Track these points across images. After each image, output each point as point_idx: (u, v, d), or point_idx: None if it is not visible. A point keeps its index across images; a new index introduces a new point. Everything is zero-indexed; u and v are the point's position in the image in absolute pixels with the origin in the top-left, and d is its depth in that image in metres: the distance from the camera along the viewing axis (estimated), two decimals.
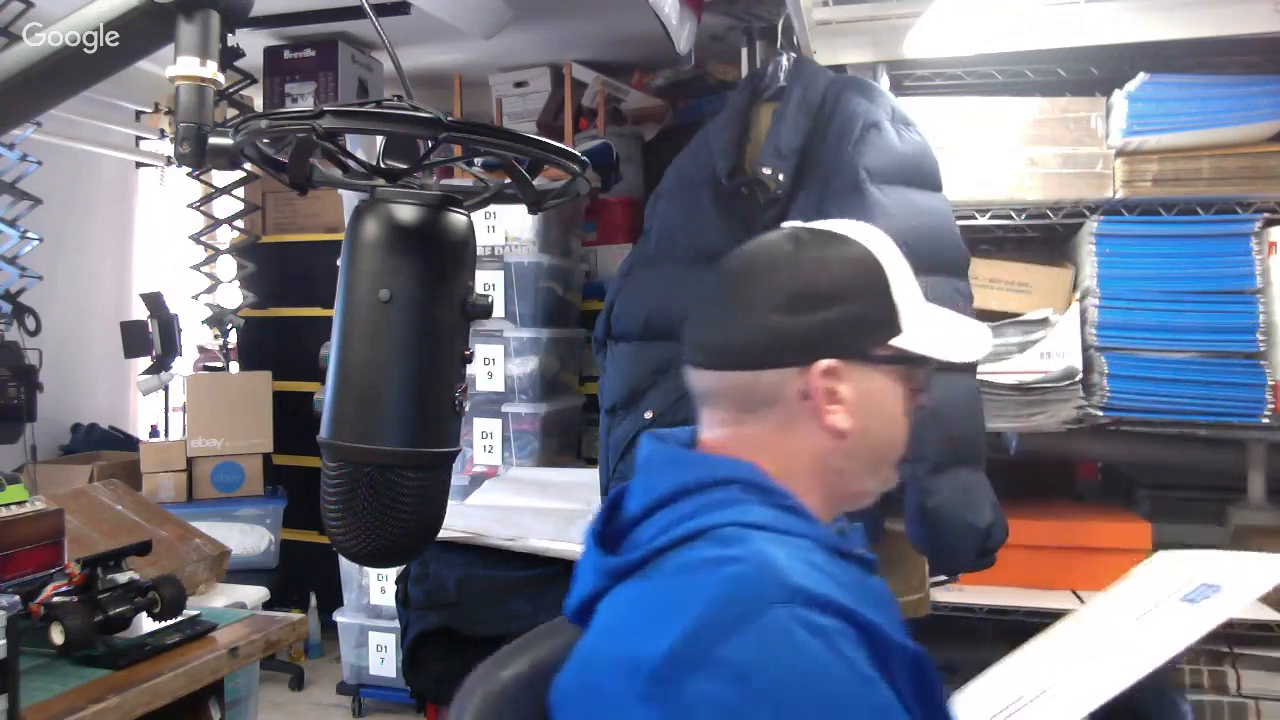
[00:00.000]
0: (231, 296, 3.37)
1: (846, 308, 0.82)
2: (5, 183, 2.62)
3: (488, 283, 2.69)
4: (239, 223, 3.33)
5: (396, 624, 2.61)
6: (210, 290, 3.29)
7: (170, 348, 3.16)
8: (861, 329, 0.83)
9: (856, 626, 0.69)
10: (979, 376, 1.70)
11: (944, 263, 1.65)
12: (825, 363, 0.81)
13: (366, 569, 2.81)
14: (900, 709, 0.68)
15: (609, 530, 0.80)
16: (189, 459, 3.06)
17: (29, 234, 2.65)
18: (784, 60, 1.84)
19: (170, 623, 1.51)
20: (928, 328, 0.87)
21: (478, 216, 0.61)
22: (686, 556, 0.72)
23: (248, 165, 0.54)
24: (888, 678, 0.69)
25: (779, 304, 0.81)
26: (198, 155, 0.50)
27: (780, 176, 1.71)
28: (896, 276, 0.86)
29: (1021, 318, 1.93)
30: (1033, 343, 1.90)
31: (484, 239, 2.68)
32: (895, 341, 0.84)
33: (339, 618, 2.93)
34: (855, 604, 0.70)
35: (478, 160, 0.60)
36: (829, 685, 0.65)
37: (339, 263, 0.53)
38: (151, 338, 3.13)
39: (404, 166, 0.53)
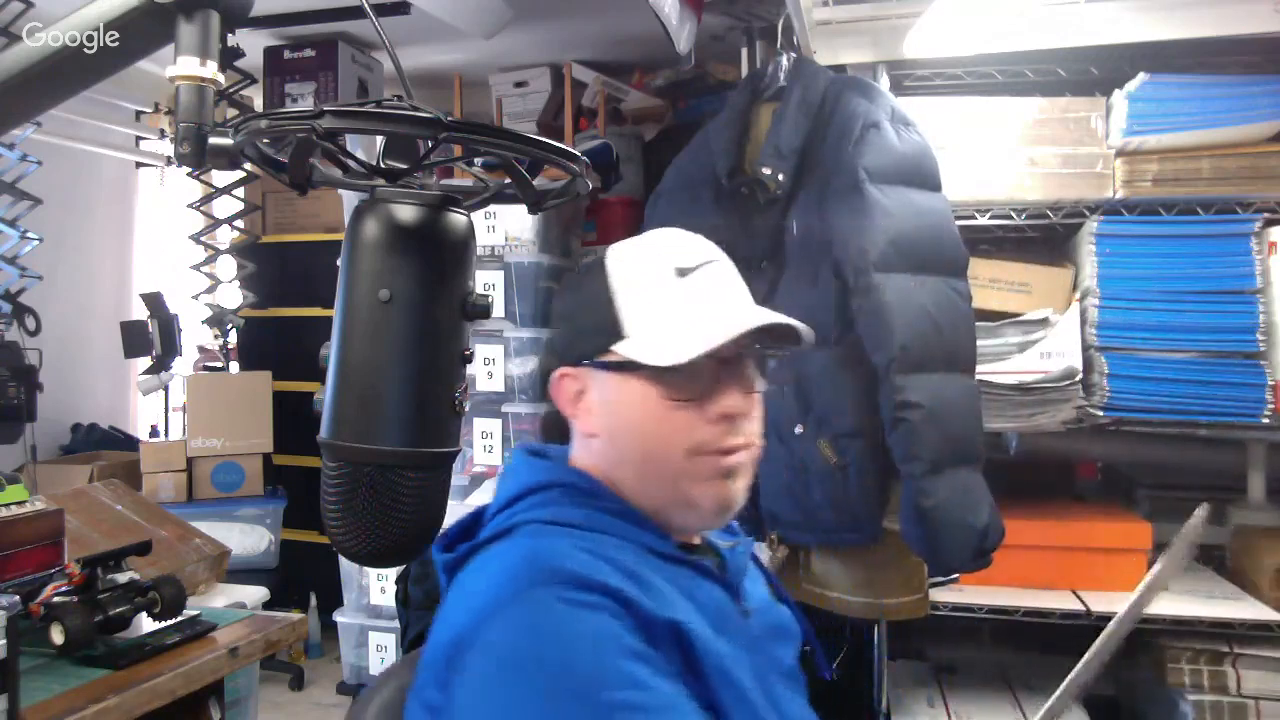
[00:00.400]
0: (231, 296, 3.37)
1: (572, 318, 0.90)
2: (5, 183, 2.62)
3: (488, 283, 2.69)
4: (239, 223, 3.33)
5: (396, 624, 2.61)
6: (210, 290, 3.29)
7: (170, 348, 3.16)
8: (579, 336, 0.88)
9: (619, 602, 0.74)
10: (979, 376, 1.70)
11: (943, 262, 1.65)
12: (559, 369, 0.89)
13: (366, 569, 2.81)
14: (654, 676, 0.72)
15: (466, 535, 0.87)
16: (189, 459, 3.06)
17: (29, 234, 2.65)
18: (784, 60, 1.84)
19: (170, 623, 1.51)
20: (659, 333, 0.85)
21: (478, 216, 0.61)
22: (487, 552, 0.81)
23: (248, 165, 0.54)
24: (654, 651, 0.74)
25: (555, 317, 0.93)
26: (198, 155, 0.49)
27: (780, 176, 1.71)
28: (629, 284, 0.87)
29: (1021, 318, 1.93)
30: (1033, 343, 1.90)
31: (484, 239, 2.68)
32: (618, 347, 0.86)
33: (339, 618, 2.93)
34: (632, 588, 0.75)
35: (478, 160, 0.60)
36: (580, 653, 0.71)
37: (339, 263, 0.53)
38: (151, 338, 3.12)
39: (404, 166, 0.53)
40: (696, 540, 0.94)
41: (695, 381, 0.85)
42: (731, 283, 0.91)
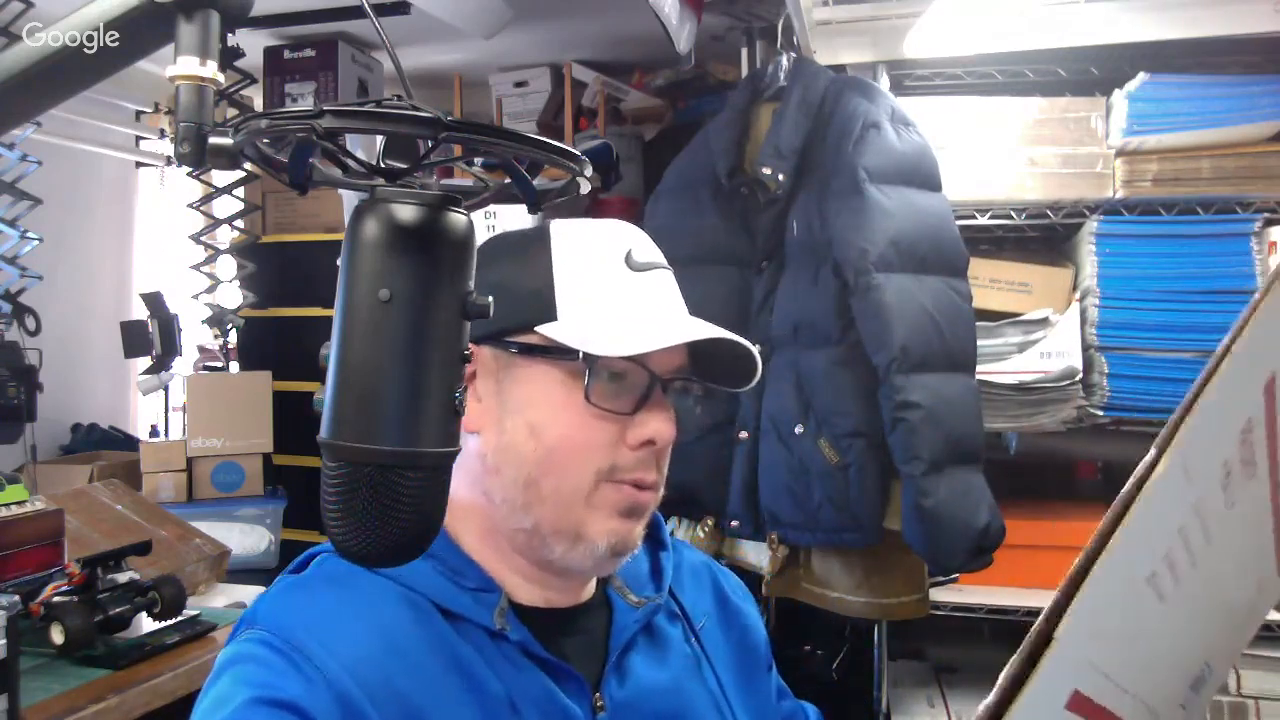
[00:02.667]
0: (231, 296, 3.37)
1: (487, 287, 0.72)
2: (5, 183, 2.62)
3: None
4: (239, 223, 3.33)
5: None
6: (210, 290, 3.29)
7: (170, 348, 3.16)
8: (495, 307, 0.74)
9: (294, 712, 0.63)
10: (979, 376, 1.70)
11: (943, 262, 1.65)
12: None
13: None
14: None
15: None
16: (189, 459, 3.06)
17: (29, 234, 2.65)
18: (784, 60, 1.84)
19: (170, 623, 1.51)
20: (600, 323, 0.72)
21: (477, 216, 0.61)
22: (281, 580, 0.76)
23: (248, 165, 0.54)
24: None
25: None
26: (198, 155, 0.49)
27: (780, 176, 1.72)
28: (573, 261, 0.74)
29: (1021, 318, 1.93)
30: (1033, 343, 1.90)
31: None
32: (545, 329, 0.72)
33: None
34: (319, 693, 0.64)
35: (478, 160, 0.60)
36: (222, 705, 0.64)
37: (339, 262, 0.53)
38: (151, 338, 3.12)
39: (404, 166, 0.53)
40: (585, 590, 0.79)
41: (625, 394, 0.72)
42: (678, 294, 0.79)
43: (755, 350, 0.75)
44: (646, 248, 0.78)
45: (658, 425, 0.72)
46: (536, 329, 0.72)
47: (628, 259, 0.76)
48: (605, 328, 0.72)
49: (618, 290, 0.74)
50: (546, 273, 0.74)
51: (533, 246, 0.75)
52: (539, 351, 0.72)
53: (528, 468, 0.72)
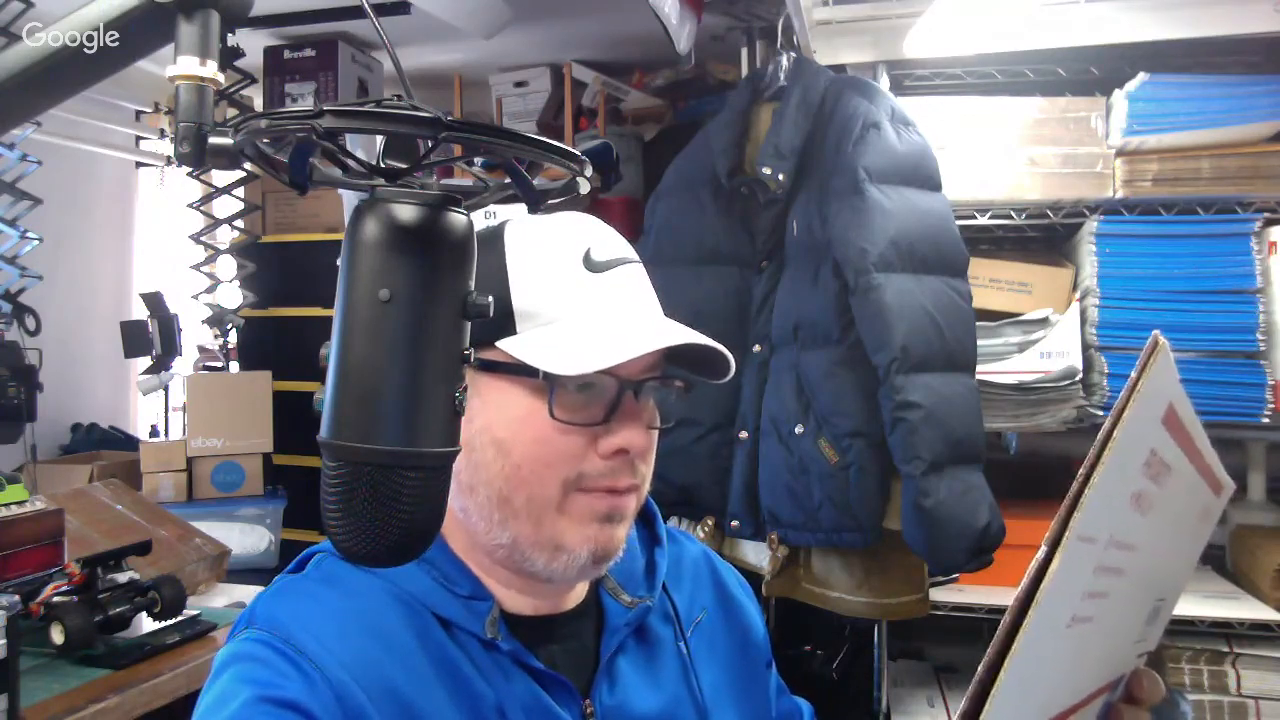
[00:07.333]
0: (231, 296, 3.37)
1: None
2: (5, 183, 2.62)
3: None
4: (239, 223, 3.32)
5: None
6: (210, 290, 3.29)
7: (170, 348, 3.16)
8: None
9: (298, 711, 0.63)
10: (979, 376, 1.70)
11: (943, 262, 1.65)
12: None
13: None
14: None
15: None
16: (189, 459, 3.05)
17: (29, 234, 2.65)
18: (784, 60, 1.84)
19: (170, 623, 1.51)
20: (560, 335, 0.70)
21: (477, 216, 0.61)
22: (280, 579, 0.76)
23: (248, 165, 0.54)
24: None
25: None
26: (198, 155, 0.49)
27: (780, 176, 1.72)
28: (528, 269, 0.72)
29: (1021, 318, 1.93)
30: (1033, 343, 1.90)
31: None
32: (504, 344, 0.70)
33: None
34: (320, 694, 0.64)
35: (478, 160, 0.60)
36: (224, 704, 0.64)
37: (339, 262, 0.53)
38: (151, 338, 3.12)
39: (404, 166, 0.53)
40: (575, 594, 0.79)
41: (594, 403, 0.71)
42: (645, 290, 0.77)
43: (724, 349, 0.74)
44: (608, 243, 0.75)
45: (629, 434, 0.71)
46: (496, 344, 0.71)
47: (587, 259, 0.73)
48: (566, 341, 0.69)
49: (578, 296, 0.72)
50: (502, 281, 0.71)
51: (486, 252, 0.71)
52: (500, 368, 0.71)
53: (498, 484, 0.71)
